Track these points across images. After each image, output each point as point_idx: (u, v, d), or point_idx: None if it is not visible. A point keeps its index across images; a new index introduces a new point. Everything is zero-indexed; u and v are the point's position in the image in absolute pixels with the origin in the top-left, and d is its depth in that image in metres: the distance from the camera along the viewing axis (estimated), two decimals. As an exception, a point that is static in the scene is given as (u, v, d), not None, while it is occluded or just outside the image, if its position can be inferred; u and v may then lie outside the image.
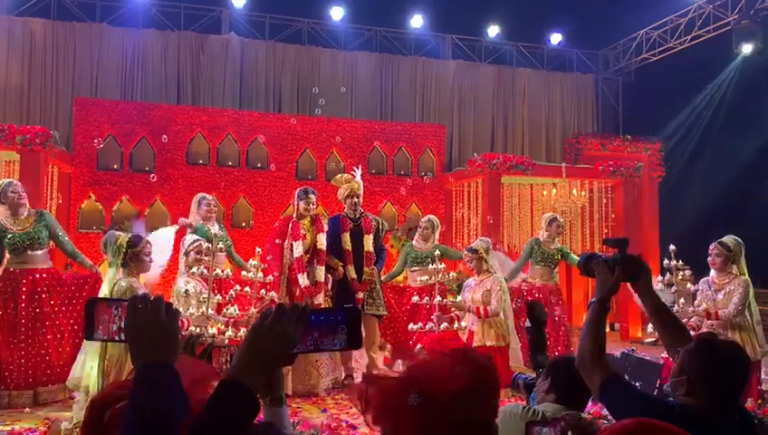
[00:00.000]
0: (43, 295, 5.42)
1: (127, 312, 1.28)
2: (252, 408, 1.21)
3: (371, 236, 6.43)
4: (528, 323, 5.10)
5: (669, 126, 12.10)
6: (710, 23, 10.58)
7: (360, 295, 6.26)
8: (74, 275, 5.89)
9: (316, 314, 1.32)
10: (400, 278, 7.35)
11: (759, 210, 11.35)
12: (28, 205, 5.62)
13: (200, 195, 6.46)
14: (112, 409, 1.35)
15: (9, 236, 5.41)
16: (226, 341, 4.95)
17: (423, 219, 7.25)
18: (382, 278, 6.75)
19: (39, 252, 5.52)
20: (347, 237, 6.35)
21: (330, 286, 6.29)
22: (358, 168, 6.80)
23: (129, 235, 4.56)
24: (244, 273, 5.61)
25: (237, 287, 5.33)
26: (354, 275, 6.28)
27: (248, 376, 1.23)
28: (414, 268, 6.90)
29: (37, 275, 5.45)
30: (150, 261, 4.57)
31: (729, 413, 2.03)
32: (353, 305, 1.45)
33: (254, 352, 1.26)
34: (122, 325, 1.30)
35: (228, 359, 4.83)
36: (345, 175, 6.64)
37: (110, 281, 4.41)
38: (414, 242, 7.14)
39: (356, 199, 6.44)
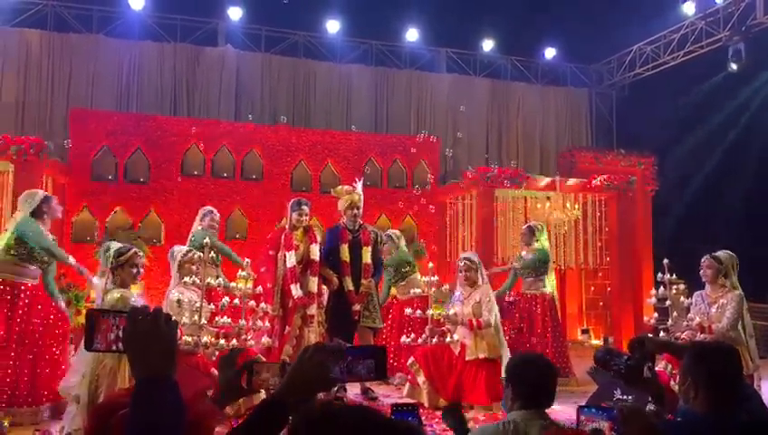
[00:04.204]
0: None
1: (126, 323, 1.30)
2: (285, 421, 1.42)
3: (370, 248, 6.42)
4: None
5: (662, 140, 12.14)
6: (702, 38, 10.67)
7: (357, 307, 6.24)
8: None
9: (350, 348, 1.57)
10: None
11: (755, 223, 11.41)
12: None
13: (208, 208, 6.84)
14: (116, 415, 1.37)
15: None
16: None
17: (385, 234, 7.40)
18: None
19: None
20: (345, 249, 6.34)
21: (326, 298, 6.28)
22: (359, 180, 6.79)
23: (120, 245, 4.56)
24: (233, 284, 5.59)
25: (227, 299, 5.31)
26: (351, 287, 6.26)
27: (288, 397, 1.44)
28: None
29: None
30: (138, 272, 4.56)
31: (732, 409, 2.13)
32: (382, 346, 1.83)
33: (295, 377, 1.47)
34: (120, 335, 1.32)
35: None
36: (346, 186, 6.63)
37: (102, 291, 4.40)
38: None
39: (356, 211, 6.42)
